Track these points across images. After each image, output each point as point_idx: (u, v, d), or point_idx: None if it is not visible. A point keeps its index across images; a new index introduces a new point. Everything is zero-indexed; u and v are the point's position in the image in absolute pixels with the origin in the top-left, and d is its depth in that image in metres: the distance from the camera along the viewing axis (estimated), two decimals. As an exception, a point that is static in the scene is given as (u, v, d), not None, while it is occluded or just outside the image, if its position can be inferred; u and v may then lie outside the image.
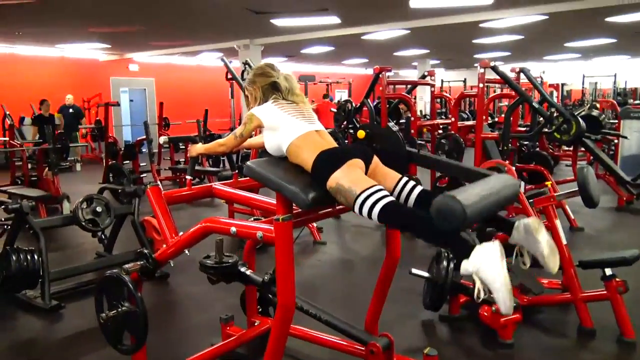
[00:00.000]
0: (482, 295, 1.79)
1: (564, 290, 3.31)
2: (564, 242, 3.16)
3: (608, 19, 9.07)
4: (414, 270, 3.24)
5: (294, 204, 2.10)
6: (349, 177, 2.03)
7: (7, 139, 8.27)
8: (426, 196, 2.13)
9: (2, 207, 4.12)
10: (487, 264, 1.77)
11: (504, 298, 1.75)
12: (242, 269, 2.59)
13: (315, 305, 2.57)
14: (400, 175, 2.22)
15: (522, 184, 6.09)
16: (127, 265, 2.39)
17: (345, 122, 6.43)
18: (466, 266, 1.82)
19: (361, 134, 2.44)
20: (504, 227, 2.15)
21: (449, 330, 3.21)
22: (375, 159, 2.25)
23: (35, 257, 3.59)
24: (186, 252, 2.43)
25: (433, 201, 1.79)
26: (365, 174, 2.14)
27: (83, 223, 3.93)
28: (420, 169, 5.92)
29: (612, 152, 8.08)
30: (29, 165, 7.43)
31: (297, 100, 2.39)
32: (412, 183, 2.18)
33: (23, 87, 12.33)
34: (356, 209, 2.00)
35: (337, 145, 2.27)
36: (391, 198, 1.98)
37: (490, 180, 2.11)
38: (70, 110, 11.51)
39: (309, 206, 2.04)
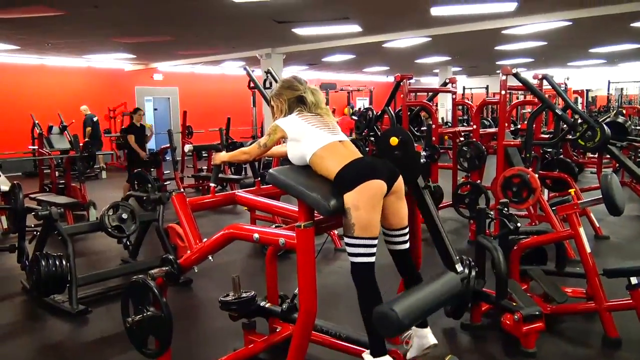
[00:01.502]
0: None
1: (589, 299, 3.26)
2: (588, 250, 3.12)
3: (634, 24, 8.93)
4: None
5: (315, 211, 2.12)
6: (361, 213, 2.08)
7: (36, 147, 8.49)
8: (403, 257, 2.38)
9: (32, 213, 4.22)
10: None
11: None
12: (262, 304, 2.80)
13: (332, 325, 2.67)
14: (406, 223, 2.34)
15: (546, 191, 6.02)
16: (153, 271, 2.45)
17: (366, 130, 6.45)
18: (366, 358, 2.18)
19: (394, 140, 2.44)
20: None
21: (471, 339, 3.19)
22: (400, 183, 2.26)
23: (64, 262, 3.67)
24: (210, 258, 2.47)
25: (374, 309, 2.03)
26: (387, 193, 2.17)
27: (109, 229, 4.02)
28: (442, 174, 5.91)
29: (638, 159, 7.92)
30: (57, 173, 7.61)
31: (321, 113, 2.42)
32: (406, 237, 2.35)
33: (51, 97, 12.66)
34: (344, 240, 2.15)
35: (362, 156, 2.29)
36: (373, 259, 2.14)
37: (431, 281, 2.30)
38: (95, 119, 11.76)
39: (330, 213, 2.06)
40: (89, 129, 11.47)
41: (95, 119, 11.79)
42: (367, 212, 2.08)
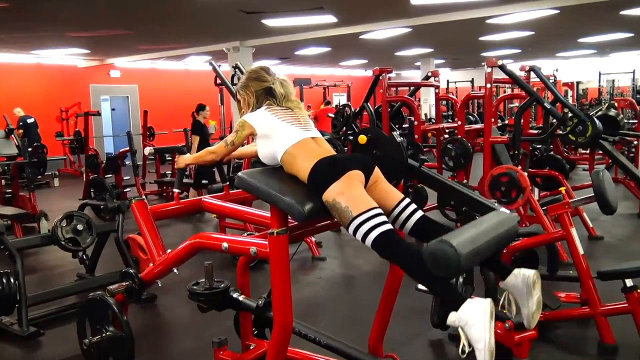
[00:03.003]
0: (466, 349, 1.86)
1: (583, 304, 3.32)
2: (581, 252, 3.18)
3: (623, 12, 9.15)
4: (421, 286, 3.25)
5: (289, 217, 2.12)
6: (347, 194, 2.06)
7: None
8: (425, 224, 2.20)
9: (-25, 226, 4.11)
10: (474, 322, 1.84)
11: (484, 359, 1.81)
12: (234, 295, 2.61)
13: (313, 328, 2.59)
14: (402, 196, 2.26)
15: (536, 190, 6.12)
16: (111, 287, 2.41)
17: (344, 128, 6.47)
18: (454, 319, 1.89)
19: (362, 139, 2.46)
20: (501, 271, 2.20)
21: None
22: (377, 172, 2.27)
23: (12, 280, 3.59)
24: (175, 271, 2.45)
25: (426, 245, 1.86)
26: (365, 187, 2.17)
27: (63, 242, 3.94)
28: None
29: (632, 154, 8.12)
30: (3, 182, 7.44)
31: (292, 106, 2.42)
32: (412, 207, 2.23)
33: (-5, 97, 12.39)
34: (350, 230, 2.05)
35: (335, 154, 2.30)
36: (388, 226, 2.03)
37: (487, 219, 2.17)
38: (31, 120, 11.47)
39: (306, 218, 2.06)
40: (20, 131, 10.99)
41: (30, 120, 11.56)
42: (353, 190, 2.08)
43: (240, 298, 2.60)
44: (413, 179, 4.71)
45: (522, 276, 2.15)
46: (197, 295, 2.55)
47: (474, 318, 1.84)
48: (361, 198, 2.08)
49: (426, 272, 1.89)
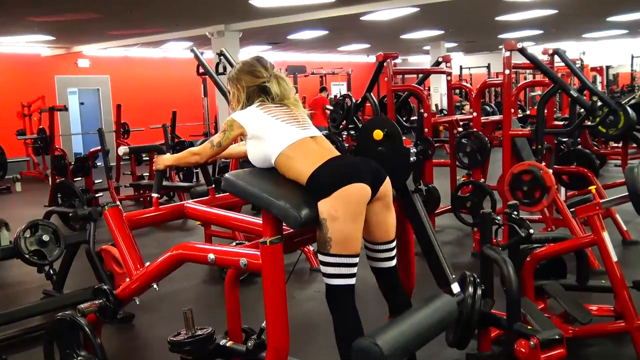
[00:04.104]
0: None
1: (617, 318, 3.32)
2: (614, 259, 3.18)
3: (659, -13, 9.18)
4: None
5: (284, 224, 2.12)
6: (339, 224, 2.08)
7: None
8: (389, 277, 2.39)
9: None
10: None
11: None
12: (222, 342, 2.73)
13: None
14: (393, 236, 2.36)
15: (563, 190, 6.13)
16: (82, 306, 2.41)
17: (344, 122, 6.47)
18: None
19: (378, 134, 2.44)
20: None
21: (479, 372, 3.21)
22: (387, 187, 2.28)
23: (-31, 299, 3.59)
24: (155, 286, 2.44)
25: (353, 343, 2.02)
26: (371, 199, 2.18)
27: (26, 255, 3.93)
28: (438, 173, 5.96)
29: (670, 147, 8.13)
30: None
31: (288, 103, 2.41)
32: (393, 253, 2.37)
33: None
34: (320, 259, 2.16)
35: (339, 154, 2.29)
36: (353, 281, 2.15)
37: (420, 311, 2.31)
38: None
39: (302, 225, 2.06)
40: None
41: None
42: (347, 223, 2.08)
43: (228, 344, 2.71)
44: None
45: None
46: (179, 346, 2.63)
47: None
48: (349, 238, 2.12)
49: (347, 349, 2.06)
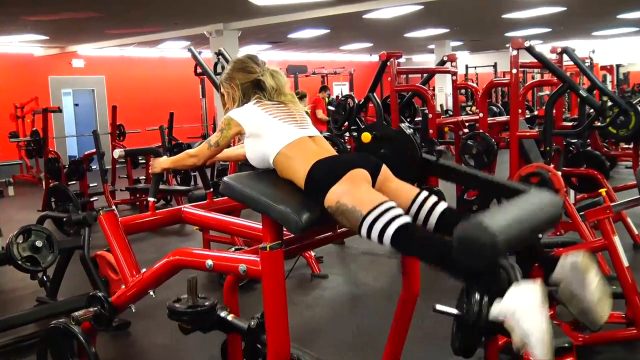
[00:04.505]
0: (521, 346, 1.80)
1: (629, 325, 3.32)
2: (626, 264, 3.18)
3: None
4: (439, 307, 3.22)
5: (284, 228, 2.12)
6: (352, 193, 2.06)
7: None
8: (451, 216, 2.16)
9: None
10: (523, 311, 1.78)
11: (540, 355, 1.74)
12: (222, 314, 2.59)
13: (314, 355, 2.58)
14: (417, 190, 2.25)
15: (572, 192, 6.13)
16: (76, 313, 2.41)
17: (346, 123, 6.48)
18: (497, 311, 1.84)
19: (366, 136, 2.46)
20: (544, 262, 2.15)
21: (486, 381, 3.21)
22: (386, 170, 2.28)
23: (-40, 306, 3.59)
24: (151, 293, 2.44)
25: (455, 228, 1.80)
26: (373, 187, 2.17)
27: (19, 262, 3.93)
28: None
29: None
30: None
31: (285, 101, 2.42)
32: (433, 199, 2.21)
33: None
34: (363, 232, 2.01)
35: (335, 153, 2.30)
36: (407, 219, 2.00)
37: (526, 199, 2.12)
38: None
39: (303, 229, 2.06)
40: None
41: None
42: (359, 187, 2.07)
43: (229, 317, 2.58)
44: (430, 175, 4.71)
45: (571, 264, 2.02)
46: (178, 315, 2.50)
47: (523, 306, 1.78)
48: (369, 194, 2.07)
49: (461, 264, 1.85)
